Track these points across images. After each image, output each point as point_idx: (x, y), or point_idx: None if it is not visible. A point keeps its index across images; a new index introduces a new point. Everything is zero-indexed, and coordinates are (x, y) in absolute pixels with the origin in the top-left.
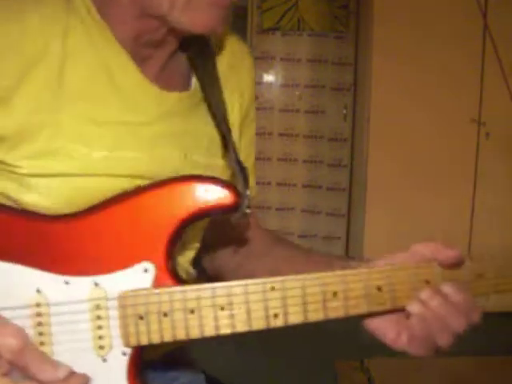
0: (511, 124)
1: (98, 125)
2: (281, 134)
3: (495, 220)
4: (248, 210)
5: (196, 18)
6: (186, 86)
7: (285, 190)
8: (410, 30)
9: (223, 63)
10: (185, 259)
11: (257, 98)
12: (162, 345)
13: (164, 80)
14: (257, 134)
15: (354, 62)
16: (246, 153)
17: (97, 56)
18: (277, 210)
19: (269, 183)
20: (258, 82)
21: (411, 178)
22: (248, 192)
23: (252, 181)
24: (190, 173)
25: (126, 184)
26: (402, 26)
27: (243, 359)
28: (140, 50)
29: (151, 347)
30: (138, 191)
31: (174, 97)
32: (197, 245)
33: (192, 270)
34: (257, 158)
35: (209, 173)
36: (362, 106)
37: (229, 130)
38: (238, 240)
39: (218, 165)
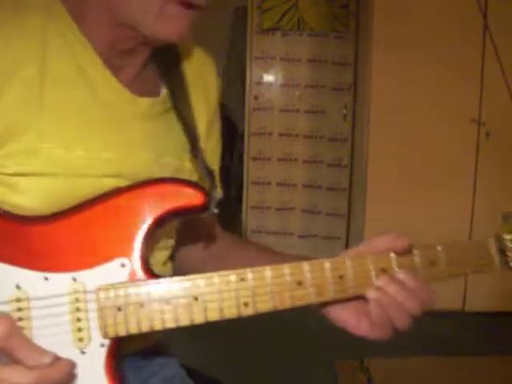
0: (511, 124)
1: (75, 127)
2: (281, 134)
3: (495, 220)
4: (216, 210)
5: (168, 27)
6: (156, 93)
7: (285, 190)
8: (410, 30)
9: (190, 72)
10: (162, 255)
11: (257, 97)
12: (141, 338)
13: (137, 87)
14: (257, 134)
15: (354, 62)
16: (213, 156)
17: (74, 63)
18: (277, 210)
19: (269, 183)
20: (258, 82)
21: (411, 177)
22: (215, 193)
23: (217, 182)
24: (161, 174)
25: (105, 184)
26: (402, 25)
27: (243, 359)
28: (115, 59)
29: (129, 341)
30: (115, 192)
31: (146, 102)
32: (172, 242)
33: (170, 265)
34: (257, 158)
35: (179, 174)
36: (362, 106)
37: (196, 136)
38: (206, 238)
39: (186, 167)
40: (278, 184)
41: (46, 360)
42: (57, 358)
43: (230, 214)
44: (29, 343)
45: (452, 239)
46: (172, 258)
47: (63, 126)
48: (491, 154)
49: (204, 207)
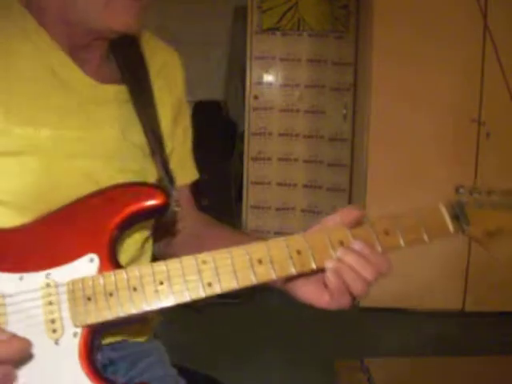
0: (511, 124)
1: (42, 109)
2: (281, 134)
3: None
4: (177, 208)
5: (115, 19)
6: (121, 82)
7: (285, 190)
8: (410, 30)
9: (154, 66)
10: (138, 243)
11: (257, 97)
12: (117, 328)
13: (101, 75)
14: (257, 134)
15: (354, 62)
16: (182, 139)
17: (38, 54)
18: (277, 210)
19: (269, 183)
20: (258, 82)
21: (411, 177)
22: (174, 192)
23: (191, 163)
24: (128, 152)
25: (78, 164)
26: (402, 26)
27: (243, 359)
28: (77, 53)
29: (107, 332)
30: (83, 196)
31: (110, 88)
32: (147, 233)
33: (148, 247)
34: (257, 158)
35: (144, 154)
36: (362, 106)
37: (156, 137)
38: (175, 230)
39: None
40: (278, 184)
41: (3, 337)
42: (13, 336)
43: (230, 213)
44: None
45: (452, 239)
46: (151, 240)
47: (30, 108)
48: (491, 154)
49: (165, 206)
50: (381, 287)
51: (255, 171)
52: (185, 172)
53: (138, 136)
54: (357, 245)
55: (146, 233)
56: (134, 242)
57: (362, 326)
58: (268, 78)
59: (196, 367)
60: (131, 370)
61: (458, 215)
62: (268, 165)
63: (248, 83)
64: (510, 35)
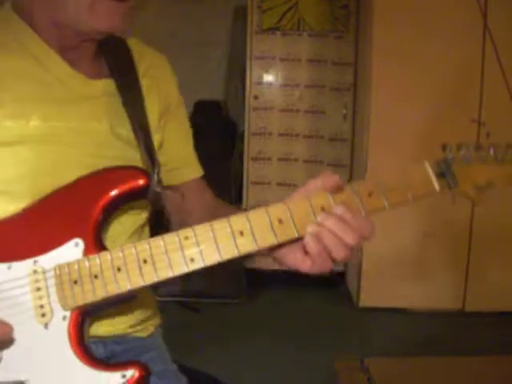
0: (511, 124)
1: (33, 102)
2: (281, 134)
3: (496, 218)
4: (158, 189)
5: (101, 20)
6: (106, 77)
7: (285, 190)
8: (410, 30)
9: (141, 67)
10: (132, 228)
11: (257, 97)
12: (110, 319)
13: (92, 72)
14: (257, 134)
15: (354, 62)
16: (179, 141)
17: (29, 54)
18: None
19: (269, 183)
20: (258, 82)
21: None
22: (155, 175)
23: (195, 163)
24: (115, 143)
25: (65, 151)
26: (402, 26)
27: (243, 359)
28: (67, 53)
29: (99, 321)
30: (65, 185)
31: (98, 83)
32: (144, 214)
33: (146, 230)
34: (257, 158)
35: (130, 145)
36: (362, 106)
37: (142, 129)
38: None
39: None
40: (278, 184)
41: None
42: None
43: None
44: None
45: (453, 239)
46: (149, 224)
47: (21, 102)
48: None
49: (145, 187)
50: (381, 287)
51: (255, 171)
52: (191, 169)
53: (124, 129)
54: (338, 209)
55: (140, 217)
56: (130, 225)
57: (362, 326)
58: (268, 78)
59: (196, 366)
60: None
61: (444, 172)
62: (268, 165)
63: (248, 83)
64: (510, 35)
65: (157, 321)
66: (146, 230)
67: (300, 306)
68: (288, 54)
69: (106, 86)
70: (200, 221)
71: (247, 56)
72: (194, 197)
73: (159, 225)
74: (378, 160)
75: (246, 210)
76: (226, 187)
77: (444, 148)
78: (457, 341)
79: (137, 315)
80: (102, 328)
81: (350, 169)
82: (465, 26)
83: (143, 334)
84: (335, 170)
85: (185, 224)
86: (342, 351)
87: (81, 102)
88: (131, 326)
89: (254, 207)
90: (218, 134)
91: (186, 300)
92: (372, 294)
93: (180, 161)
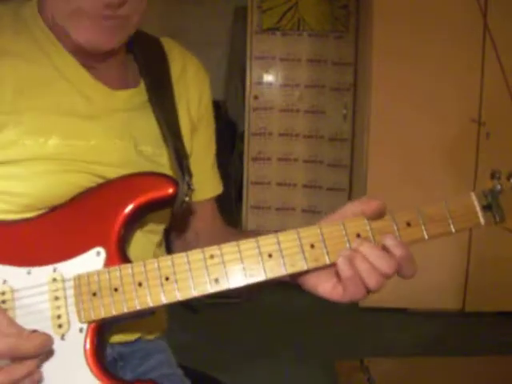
0: (511, 124)
1: (52, 118)
2: (281, 134)
3: None
4: (187, 199)
5: (79, 32)
6: (136, 85)
7: (285, 190)
8: (410, 30)
9: (175, 71)
10: (151, 242)
11: (257, 97)
12: (126, 327)
13: (115, 81)
14: (257, 134)
15: (354, 62)
16: (201, 156)
17: (49, 61)
18: (277, 209)
19: (269, 183)
20: (258, 82)
21: (411, 178)
22: (185, 183)
23: (210, 179)
24: (138, 161)
25: (85, 167)
26: (402, 26)
27: (243, 359)
28: (88, 60)
29: (115, 329)
30: (91, 188)
31: (123, 94)
32: (162, 227)
33: (160, 252)
34: (257, 158)
35: (155, 162)
36: (362, 106)
37: (174, 129)
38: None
39: (163, 155)
40: (278, 184)
41: (22, 333)
42: (33, 332)
43: (230, 213)
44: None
45: (452, 239)
46: (167, 239)
47: (40, 118)
48: (491, 154)
49: (173, 196)
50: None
51: (255, 171)
52: (209, 187)
53: (149, 146)
54: (387, 239)
55: (160, 229)
56: (154, 234)
57: (362, 325)
58: (268, 77)
59: (196, 367)
60: (140, 366)
61: (491, 205)
62: (268, 165)
63: (248, 83)
64: (510, 35)
65: (165, 324)
66: (164, 243)
67: (300, 305)
68: (288, 53)
69: (131, 97)
70: (207, 242)
71: (247, 56)
72: (205, 215)
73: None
74: (378, 160)
75: (252, 230)
76: (226, 187)
77: (492, 176)
78: (457, 341)
79: (149, 323)
80: (112, 337)
81: (350, 169)
82: (465, 26)
83: (151, 337)
84: (335, 170)
85: (189, 241)
86: (342, 351)
87: (102, 116)
88: (143, 332)
89: (253, 207)
90: (218, 134)
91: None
92: (381, 291)
93: (200, 176)
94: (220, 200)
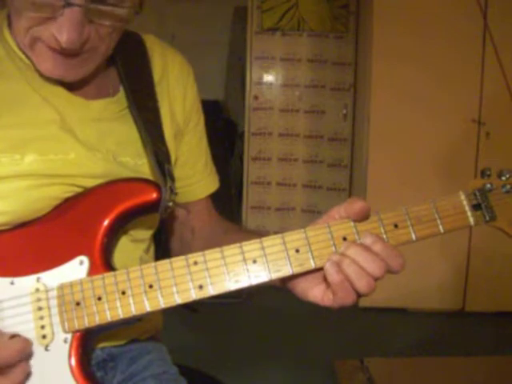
0: (511, 124)
1: (27, 135)
2: (281, 134)
3: None
4: (170, 204)
5: (40, 63)
6: (113, 94)
7: (285, 190)
8: (410, 30)
9: (158, 72)
10: (137, 248)
11: (257, 97)
12: (112, 333)
13: (90, 90)
14: (257, 134)
15: (354, 62)
16: (193, 157)
17: (21, 76)
18: (277, 209)
19: (269, 183)
20: (258, 82)
21: (411, 178)
22: (168, 189)
23: (208, 179)
24: (119, 172)
25: (64, 180)
26: (402, 26)
27: (243, 359)
28: None
29: (99, 337)
30: (72, 198)
31: (98, 104)
32: (150, 233)
33: (148, 257)
34: (257, 158)
35: (137, 172)
36: (361, 106)
37: (155, 135)
38: (190, 228)
39: (144, 163)
40: (278, 184)
41: (5, 336)
42: (12, 337)
43: (230, 214)
44: None
45: (452, 239)
46: (155, 243)
47: (15, 136)
48: (491, 153)
49: (155, 201)
50: (381, 287)
51: (255, 171)
52: (203, 187)
53: (128, 157)
54: (365, 239)
55: (148, 234)
56: (141, 241)
57: (362, 325)
58: (268, 77)
59: (196, 367)
60: (131, 366)
61: (481, 204)
62: (268, 165)
63: (248, 83)
64: (510, 35)
65: (159, 323)
66: (152, 248)
67: (300, 305)
68: (288, 54)
69: (108, 106)
70: (203, 239)
71: (247, 56)
72: (200, 213)
73: (157, 239)
74: (378, 160)
75: (253, 229)
76: (226, 187)
77: (482, 174)
78: (456, 341)
79: (140, 327)
80: (100, 343)
81: (350, 169)
82: (465, 26)
83: (143, 337)
84: (335, 170)
85: (186, 240)
86: (342, 351)
87: (77, 128)
88: (132, 336)
89: (253, 207)
90: (218, 134)
91: None
92: (372, 293)
93: (193, 178)
94: (220, 200)
